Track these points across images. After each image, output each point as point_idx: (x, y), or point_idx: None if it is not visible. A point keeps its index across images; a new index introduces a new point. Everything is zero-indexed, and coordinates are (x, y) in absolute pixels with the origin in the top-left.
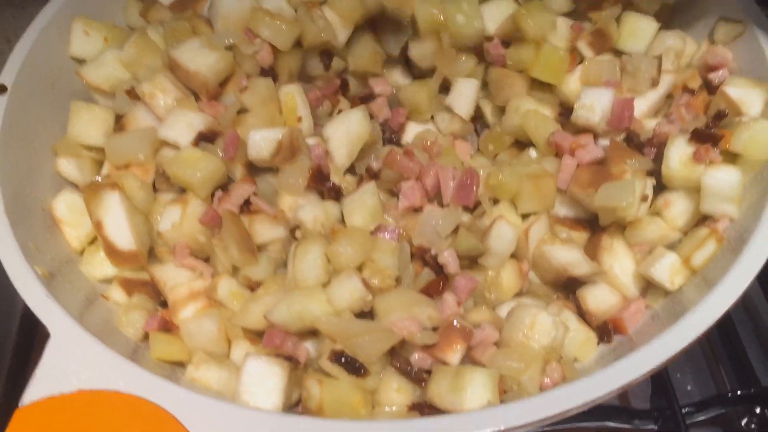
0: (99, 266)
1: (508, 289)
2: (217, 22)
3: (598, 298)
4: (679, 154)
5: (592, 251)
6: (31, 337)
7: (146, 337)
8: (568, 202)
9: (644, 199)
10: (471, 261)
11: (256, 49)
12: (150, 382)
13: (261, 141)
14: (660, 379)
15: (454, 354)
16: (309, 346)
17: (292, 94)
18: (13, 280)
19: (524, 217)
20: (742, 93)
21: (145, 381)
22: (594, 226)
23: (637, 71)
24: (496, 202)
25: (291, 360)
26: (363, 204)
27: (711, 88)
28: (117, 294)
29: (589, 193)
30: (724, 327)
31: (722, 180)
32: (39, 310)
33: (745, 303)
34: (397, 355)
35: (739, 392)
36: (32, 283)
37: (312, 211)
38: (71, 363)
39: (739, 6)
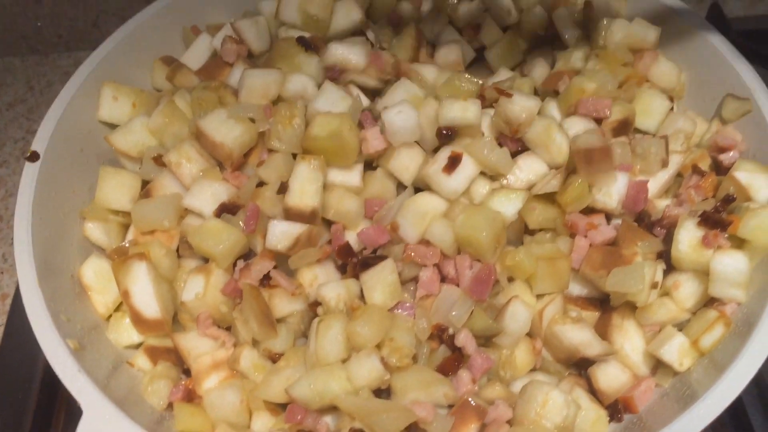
0: (125, 333)
1: (522, 367)
2: (242, 94)
3: (610, 377)
4: (688, 238)
5: (602, 329)
6: (54, 391)
7: (170, 406)
8: (581, 281)
9: (654, 286)
10: (486, 339)
11: (270, 127)
12: None
13: (280, 234)
14: None
15: None
16: (329, 421)
17: None
18: (48, 356)
19: (539, 296)
20: (750, 178)
21: None
22: (605, 303)
23: (648, 153)
24: (511, 279)
25: None
26: (383, 281)
27: (721, 168)
28: (142, 361)
29: (600, 275)
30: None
31: (730, 266)
32: (72, 386)
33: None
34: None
35: None
36: (65, 359)
37: (335, 289)
38: None
39: (746, 83)
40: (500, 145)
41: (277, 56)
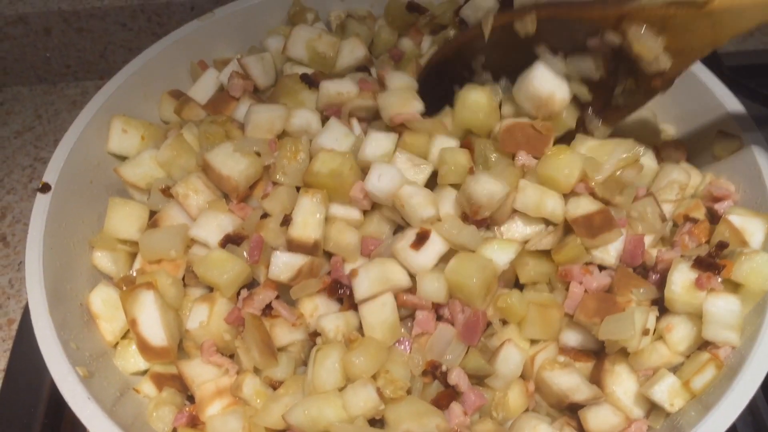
0: (132, 360)
1: (515, 408)
2: (248, 128)
3: (600, 419)
4: (681, 280)
5: (596, 375)
6: (59, 414)
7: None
8: (575, 331)
9: (646, 332)
10: (479, 379)
11: (274, 161)
12: None
13: (282, 265)
14: None
15: None
16: None
17: None
18: (59, 384)
19: (533, 341)
20: (744, 221)
21: None
22: (600, 353)
23: (645, 214)
24: (505, 322)
25: None
26: (383, 321)
27: (715, 218)
28: (148, 387)
29: (594, 323)
30: None
31: (723, 308)
32: (82, 414)
33: (750, 408)
34: None
35: None
36: (75, 386)
37: (333, 321)
38: None
39: (736, 123)
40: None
41: (281, 92)
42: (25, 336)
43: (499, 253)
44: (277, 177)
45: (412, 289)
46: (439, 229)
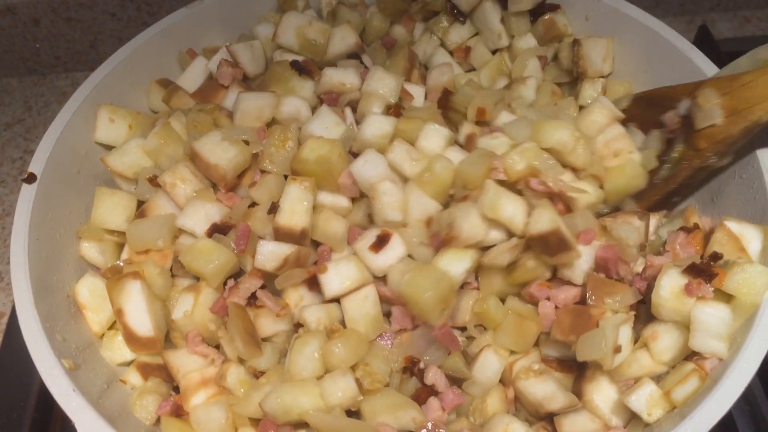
0: (118, 350)
1: (493, 414)
2: (237, 116)
3: (576, 425)
4: (670, 285)
5: (578, 383)
6: (49, 410)
7: (158, 421)
8: (555, 344)
9: (617, 350)
10: (455, 381)
11: (263, 149)
12: None
13: (269, 253)
14: None
15: None
16: None
17: None
18: (44, 376)
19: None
20: (741, 228)
21: None
22: (582, 364)
23: (626, 241)
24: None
25: None
26: (365, 314)
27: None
28: (134, 378)
29: (570, 340)
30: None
31: (713, 315)
32: (67, 406)
33: (746, 395)
34: None
35: None
36: (60, 379)
37: (315, 313)
38: None
39: None
40: None
41: (271, 79)
42: (14, 330)
43: (455, 264)
44: (265, 165)
45: None
46: (404, 235)
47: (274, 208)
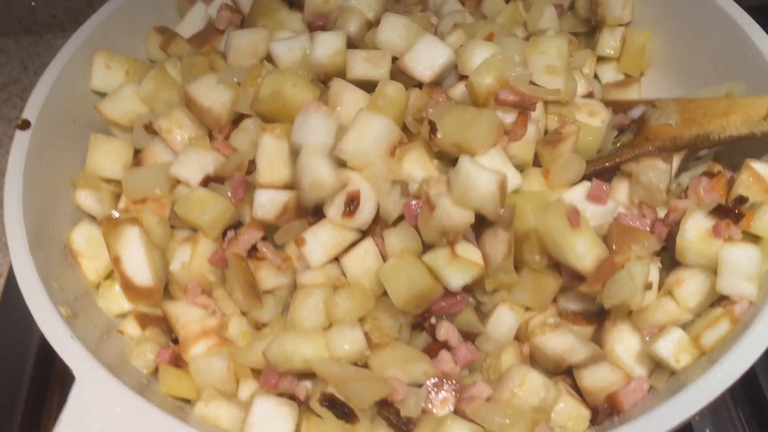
0: (115, 301)
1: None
2: (230, 55)
3: (596, 376)
4: (696, 228)
5: (597, 336)
6: (48, 369)
7: (156, 370)
8: (575, 296)
9: (648, 287)
10: (468, 336)
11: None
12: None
13: (267, 202)
14: None
15: (443, 407)
16: (308, 385)
17: None
18: (40, 323)
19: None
20: (767, 169)
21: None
22: (602, 312)
23: (651, 185)
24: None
25: (296, 399)
26: (368, 269)
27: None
28: (132, 328)
29: (596, 290)
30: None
31: (742, 256)
32: (65, 353)
33: None
34: (387, 405)
35: None
36: (58, 326)
37: (311, 279)
38: (94, 407)
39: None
40: None
41: (258, 14)
42: (13, 289)
43: (456, 276)
44: (239, 106)
45: None
46: (370, 179)
47: (251, 168)
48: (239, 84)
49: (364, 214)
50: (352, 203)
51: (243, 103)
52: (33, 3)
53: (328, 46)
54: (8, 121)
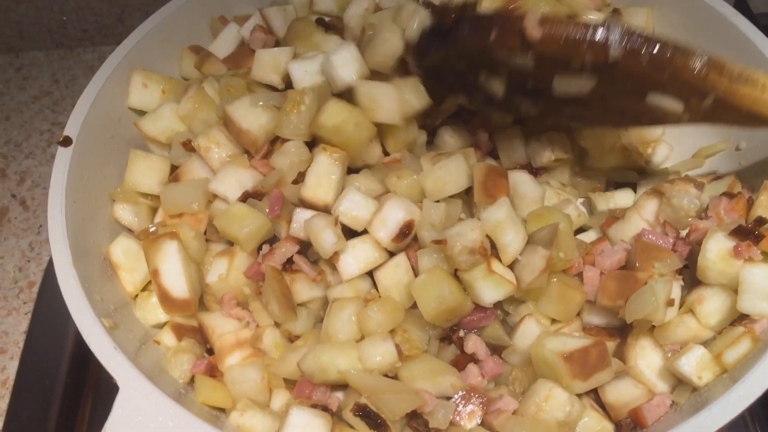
0: (152, 312)
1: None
2: (254, 68)
3: (620, 391)
4: (717, 248)
5: (620, 351)
6: (82, 377)
7: (192, 380)
8: (599, 311)
9: (670, 303)
10: (497, 351)
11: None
12: None
13: (304, 222)
14: None
15: (470, 420)
16: (340, 396)
17: None
18: (85, 335)
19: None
20: None
21: None
22: (625, 328)
23: (680, 207)
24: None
25: (329, 411)
26: (398, 282)
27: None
28: (168, 339)
29: (618, 305)
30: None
31: (762, 276)
32: (109, 364)
33: None
34: (416, 416)
35: None
36: (102, 337)
37: (341, 293)
38: (138, 416)
39: None
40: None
41: (292, 37)
42: (45, 298)
43: (490, 291)
44: (280, 130)
45: None
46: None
47: (300, 178)
48: (277, 108)
49: (409, 238)
50: (407, 231)
51: (285, 128)
52: (64, 17)
53: (348, 64)
54: (40, 133)
